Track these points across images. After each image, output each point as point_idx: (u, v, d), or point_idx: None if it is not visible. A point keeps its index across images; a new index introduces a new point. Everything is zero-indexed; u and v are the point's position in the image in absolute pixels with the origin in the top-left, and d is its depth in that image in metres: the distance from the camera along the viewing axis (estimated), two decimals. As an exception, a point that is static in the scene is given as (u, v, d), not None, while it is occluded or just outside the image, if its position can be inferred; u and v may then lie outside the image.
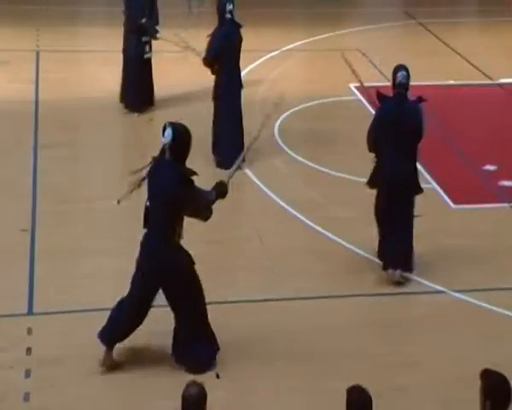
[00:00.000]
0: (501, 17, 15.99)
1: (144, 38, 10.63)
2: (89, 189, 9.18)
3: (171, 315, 6.47)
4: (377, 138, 7.49)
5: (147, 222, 6.28)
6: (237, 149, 8.12)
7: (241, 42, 9.63)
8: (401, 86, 7.45)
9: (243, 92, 11.18)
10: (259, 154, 10.03)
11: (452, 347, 6.84)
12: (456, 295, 7.47)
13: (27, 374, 6.39)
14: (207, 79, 9.96)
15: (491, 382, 4.48)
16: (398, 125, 7.36)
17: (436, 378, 6.48)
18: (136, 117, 10.69)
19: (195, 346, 6.39)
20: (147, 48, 10.64)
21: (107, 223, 8.56)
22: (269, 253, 8.07)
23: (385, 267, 7.60)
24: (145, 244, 6.34)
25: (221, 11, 9.52)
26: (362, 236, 8.29)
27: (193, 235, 8.24)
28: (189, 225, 8.35)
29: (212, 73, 9.62)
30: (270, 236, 8.37)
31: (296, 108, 11.46)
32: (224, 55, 9.45)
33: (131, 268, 7.65)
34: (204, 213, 6.31)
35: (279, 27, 15.11)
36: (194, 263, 6.41)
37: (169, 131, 6.14)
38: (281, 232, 8.46)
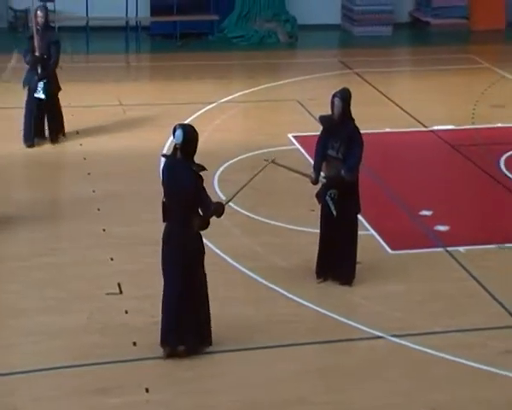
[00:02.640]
0: (433, 66, 16.46)
1: (38, 77, 11.43)
2: (22, 246, 9.09)
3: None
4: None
5: (166, 216, 7.01)
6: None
7: None
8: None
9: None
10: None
11: (391, 391, 6.90)
12: (394, 339, 7.57)
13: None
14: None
15: None
16: None
17: (376, 424, 6.54)
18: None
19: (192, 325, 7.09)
20: (38, 87, 11.40)
21: (44, 281, 8.47)
22: (210, 304, 8.03)
23: None
24: (166, 234, 7.05)
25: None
26: (300, 284, 8.37)
27: (131, 288, 8.27)
28: (128, 280, 8.37)
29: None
30: (210, 287, 8.34)
31: (235, 160, 11.57)
32: None
33: (72, 325, 7.63)
34: (208, 212, 6.97)
35: (217, 79, 15.28)
36: (204, 252, 7.10)
37: (179, 133, 6.84)
38: (219, 283, 8.46)
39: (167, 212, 7.01)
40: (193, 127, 7.00)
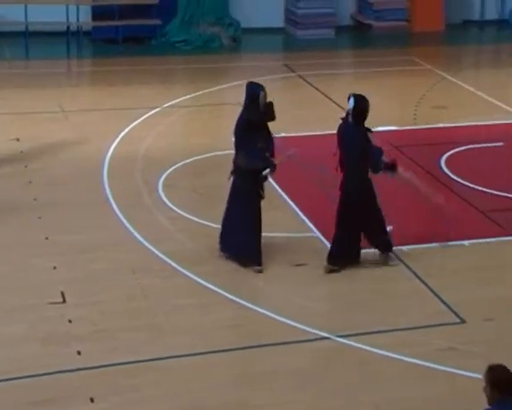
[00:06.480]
0: (376, 68, 16.61)
1: None
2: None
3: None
4: None
5: (342, 167, 8.59)
6: None
7: None
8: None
9: (126, 149, 11.10)
10: (143, 211, 10.03)
11: (336, 392, 6.94)
12: (340, 339, 7.61)
13: None
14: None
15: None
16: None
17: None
18: None
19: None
20: None
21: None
22: (155, 311, 8.01)
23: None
24: (344, 181, 8.62)
25: None
26: (245, 287, 8.38)
27: (74, 296, 8.17)
28: (71, 288, 8.26)
29: None
30: (155, 293, 8.32)
31: (179, 164, 11.52)
32: None
33: (14, 335, 7.49)
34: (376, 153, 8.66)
35: (160, 84, 15.21)
36: (374, 194, 8.69)
37: (352, 100, 8.40)
38: (167, 289, 8.43)
39: (342, 163, 8.47)
40: (363, 97, 8.42)
